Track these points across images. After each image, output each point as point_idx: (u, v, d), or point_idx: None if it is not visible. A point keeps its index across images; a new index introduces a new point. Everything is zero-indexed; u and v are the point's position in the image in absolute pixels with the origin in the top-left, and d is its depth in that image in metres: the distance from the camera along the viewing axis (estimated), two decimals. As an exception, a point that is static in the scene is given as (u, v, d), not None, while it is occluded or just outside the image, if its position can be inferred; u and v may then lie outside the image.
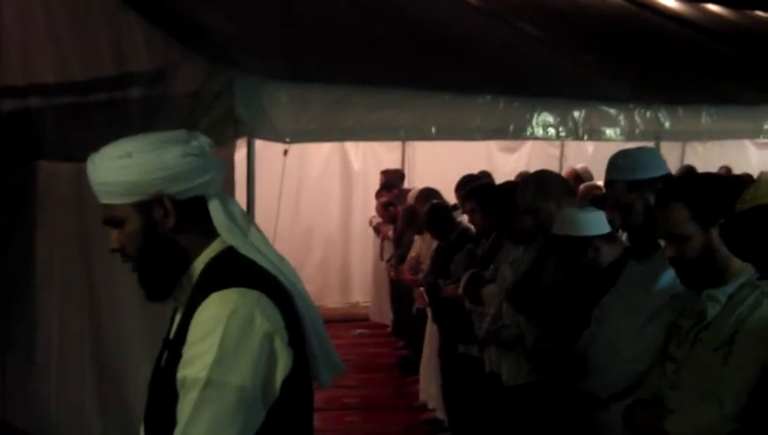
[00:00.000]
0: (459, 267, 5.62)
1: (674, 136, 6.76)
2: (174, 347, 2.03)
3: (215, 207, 2.10)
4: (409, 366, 7.94)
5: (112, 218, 2.10)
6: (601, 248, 3.81)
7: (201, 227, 2.10)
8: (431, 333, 6.64)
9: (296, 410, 2.07)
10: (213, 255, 2.09)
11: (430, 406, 6.92)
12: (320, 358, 2.17)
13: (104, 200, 2.10)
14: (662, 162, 3.63)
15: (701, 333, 2.74)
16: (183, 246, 2.10)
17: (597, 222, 3.87)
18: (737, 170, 7.83)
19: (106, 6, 4.45)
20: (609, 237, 3.87)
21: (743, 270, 2.70)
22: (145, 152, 2.04)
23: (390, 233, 8.75)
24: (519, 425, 4.33)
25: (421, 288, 6.65)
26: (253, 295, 1.96)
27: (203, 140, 2.13)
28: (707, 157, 9.13)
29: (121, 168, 2.04)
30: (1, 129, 4.61)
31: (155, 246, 2.08)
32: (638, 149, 3.97)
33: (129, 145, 2.07)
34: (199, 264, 2.09)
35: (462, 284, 5.07)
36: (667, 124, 6.37)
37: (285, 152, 4.65)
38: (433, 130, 5.17)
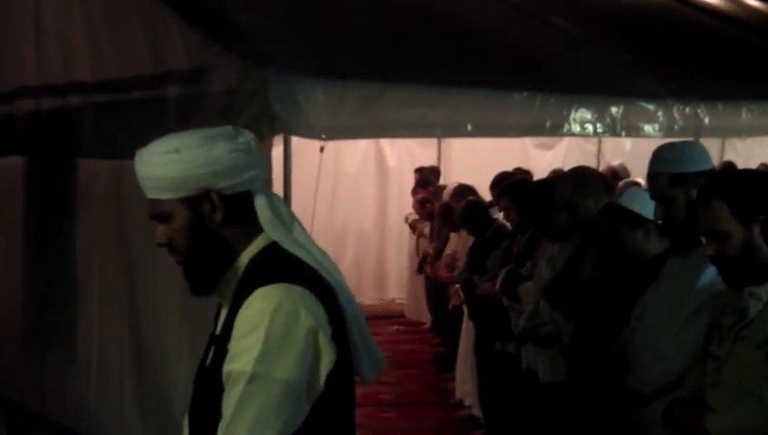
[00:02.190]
0: (495, 264, 5.60)
1: (713, 132, 6.67)
2: (220, 343, 2.05)
3: (260, 203, 2.11)
4: (445, 363, 7.94)
5: (160, 213, 2.11)
6: (651, 235, 3.72)
7: (247, 222, 2.11)
8: (467, 329, 6.63)
9: (340, 406, 2.08)
10: (257, 250, 2.11)
11: (466, 403, 6.91)
12: (362, 353, 2.18)
13: (151, 195, 2.11)
14: (707, 156, 3.58)
15: (743, 330, 2.70)
16: (229, 240, 2.11)
17: (654, 210, 3.79)
18: (777, 167, 7.73)
19: (144, 6, 4.49)
20: (662, 231, 3.79)
21: (785, 267, 2.66)
22: (193, 148, 2.06)
23: (426, 230, 8.76)
24: (556, 422, 4.31)
25: (457, 285, 6.64)
26: (297, 291, 1.98)
27: (249, 136, 2.15)
28: (747, 153, 9.01)
29: (169, 163, 2.05)
30: (41, 126, 4.66)
31: (202, 240, 2.09)
32: (683, 142, 3.92)
33: (176, 141, 2.08)
34: (244, 259, 2.11)
35: (499, 280, 5.05)
36: (706, 120, 6.29)
37: (321, 149, 4.66)
38: (469, 126, 5.14)
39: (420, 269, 8.89)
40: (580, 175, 4.39)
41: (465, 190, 7.10)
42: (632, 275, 3.71)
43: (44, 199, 4.78)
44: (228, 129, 2.15)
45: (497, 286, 5.08)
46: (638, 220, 3.71)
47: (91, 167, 4.60)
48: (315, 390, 1.98)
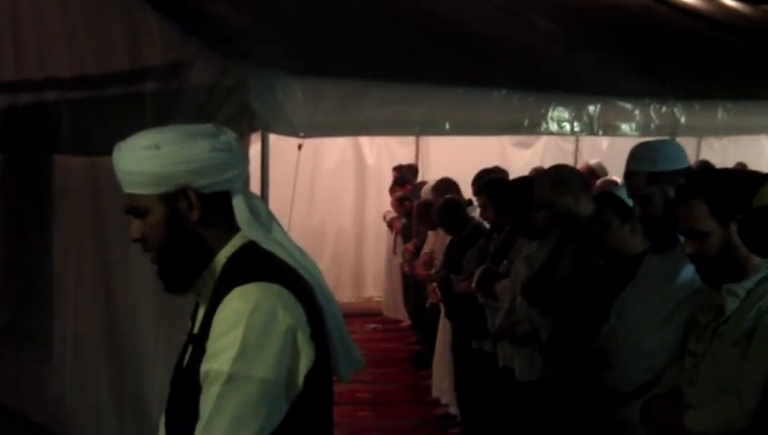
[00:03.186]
0: (472, 263, 5.61)
1: (690, 131, 6.71)
2: (198, 342, 2.04)
3: (238, 203, 2.10)
4: (422, 361, 7.94)
5: (136, 208, 2.09)
6: (637, 232, 3.68)
7: (224, 221, 2.10)
8: (444, 328, 6.64)
9: (318, 405, 2.07)
10: (234, 250, 2.09)
11: (443, 401, 6.92)
12: (340, 352, 2.17)
13: (128, 190, 2.09)
14: (683, 155, 3.60)
15: (720, 327, 2.73)
16: (205, 239, 2.09)
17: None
18: (753, 167, 7.79)
19: (122, 1, 4.46)
20: (647, 230, 3.77)
21: (762, 265, 2.69)
22: (173, 144, 2.04)
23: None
24: (532, 420, 4.32)
25: (434, 284, 6.64)
26: (275, 290, 1.97)
27: (230, 135, 2.13)
28: (723, 153, 9.07)
29: (148, 158, 2.04)
30: (17, 122, 4.62)
31: (178, 238, 2.08)
32: (660, 141, 3.94)
33: (157, 136, 2.06)
34: (221, 258, 2.10)
35: (475, 278, 5.06)
36: (682, 119, 6.33)
37: (300, 146, 4.64)
38: (447, 125, 5.15)
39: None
40: (559, 173, 4.40)
41: (447, 185, 7.10)
42: (611, 273, 3.73)
43: (20, 195, 4.73)
44: (209, 127, 2.13)
45: (473, 285, 5.09)
46: (629, 214, 3.71)
47: (67, 163, 4.56)
48: (294, 389, 1.97)
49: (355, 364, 2.25)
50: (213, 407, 1.90)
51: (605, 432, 3.52)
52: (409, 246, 8.21)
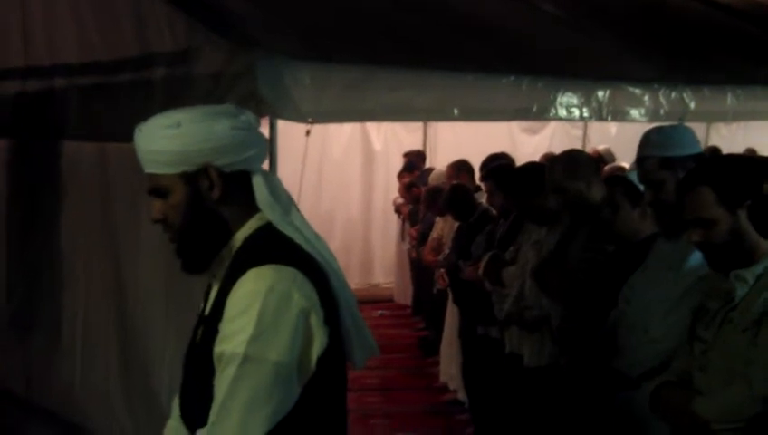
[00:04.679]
0: (479, 248, 5.61)
1: (699, 117, 6.68)
2: (210, 323, 2.05)
3: (258, 183, 2.12)
4: (430, 347, 7.95)
5: (158, 188, 2.11)
6: (647, 217, 3.68)
7: (243, 201, 2.12)
8: (452, 314, 6.64)
9: (331, 390, 2.09)
10: (251, 231, 2.11)
11: (451, 387, 6.93)
12: (354, 338, 2.18)
13: (150, 170, 2.10)
14: (696, 140, 3.59)
15: (729, 313, 2.70)
16: (225, 218, 2.11)
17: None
18: (762, 152, 7.76)
19: (129, -13, 4.46)
20: (658, 215, 3.76)
21: (771, 251, 2.67)
22: (194, 123, 2.06)
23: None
24: (540, 406, 4.32)
25: (442, 269, 6.64)
26: (289, 272, 1.98)
27: (250, 116, 2.16)
28: (732, 138, 9.04)
29: (170, 137, 2.05)
30: (26, 108, 4.63)
31: (199, 217, 2.09)
32: (672, 125, 3.92)
33: (178, 115, 2.08)
34: (238, 238, 2.11)
35: (482, 265, 5.05)
36: (692, 105, 6.30)
37: (307, 133, 4.64)
38: (455, 111, 5.13)
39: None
40: (572, 158, 4.37)
41: (462, 165, 7.08)
42: (621, 258, 3.72)
43: (28, 182, 4.75)
44: (230, 106, 2.17)
45: (480, 271, 5.08)
46: (639, 198, 3.70)
47: (76, 149, 4.58)
48: (306, 372, 1.98)
49: (369, 351, 2.27)
50: (227, 390, 1.92)
51: (614, 416, 3.53)
52: (412, 232, 8.20)
